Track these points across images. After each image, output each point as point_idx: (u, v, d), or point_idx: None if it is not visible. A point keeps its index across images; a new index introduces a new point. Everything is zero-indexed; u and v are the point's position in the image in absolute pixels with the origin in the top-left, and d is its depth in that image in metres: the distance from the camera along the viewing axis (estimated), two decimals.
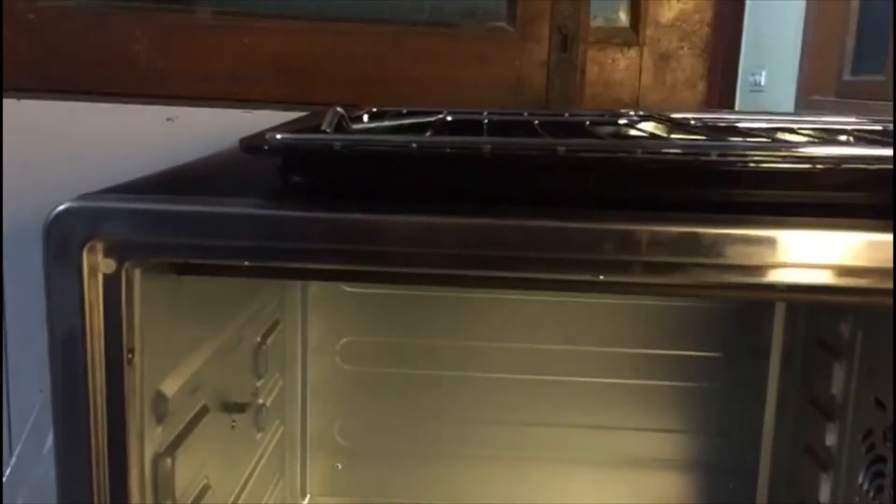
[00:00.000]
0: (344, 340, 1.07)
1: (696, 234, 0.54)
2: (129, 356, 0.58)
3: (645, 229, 0.54)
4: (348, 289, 1.06)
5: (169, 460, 0.66)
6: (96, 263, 0.56)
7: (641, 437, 1.04)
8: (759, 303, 0.98)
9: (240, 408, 0.84)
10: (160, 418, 0.65)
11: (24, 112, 1.06)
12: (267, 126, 0.99)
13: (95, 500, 0.59)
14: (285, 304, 1.03)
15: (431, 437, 1.08)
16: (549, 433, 1.05)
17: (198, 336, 0.74)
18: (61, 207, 0.55)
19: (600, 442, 1.05)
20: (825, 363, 0.93)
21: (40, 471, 0.82)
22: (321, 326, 1.07)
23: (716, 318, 1.02)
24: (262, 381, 0.93)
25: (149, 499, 0.63)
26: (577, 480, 1.07)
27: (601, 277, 0.57)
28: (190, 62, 1.07)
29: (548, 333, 1.04)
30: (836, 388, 0.92)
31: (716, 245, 0.54)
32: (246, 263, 0.59)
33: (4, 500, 0.83)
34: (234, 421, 0.83)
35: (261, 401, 0.93)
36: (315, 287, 1.06)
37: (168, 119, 1.06)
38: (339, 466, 1.11)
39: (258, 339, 0.92)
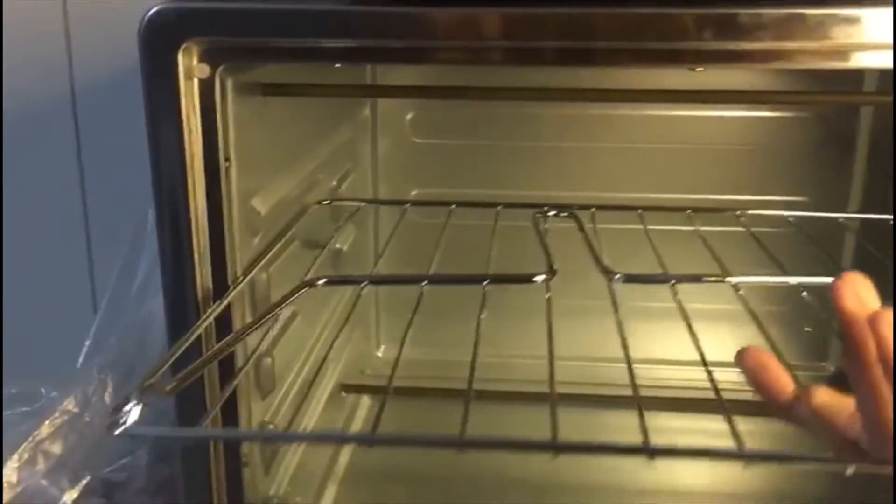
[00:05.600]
0: (414, 192, 1.07)
1: (801, 15, 0.53)
2: (226, 164, 0.59)
3: (747, 12, 0.53)
4: (418, 140, 1.06)
5: (265, 275, 0.68)
6: (191, 67, 0.56)
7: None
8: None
9: (320, 245, 0.85)
10: (254, 232, 0.66)
11: None
12: None
13: (200, 321, 0.61)
14: (357, 156, 1.03)
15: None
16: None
17: (283, 163, 0.75)
18: (154, 9, 0.55)
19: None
20: None
21: (132, 309, 0.84)
22: (391, 180, 1.07)
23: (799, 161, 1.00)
24: (337, 225, 0.94)
25: (248, 313, 0.65)
26: (656, 327, 1.08)
27: (699, 69, 0.56)
28: None
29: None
30: None
31: (820, 27, 0.53)
32: (337, 65, 0.60)
33: (97, 338, 0.86)
34: (315, 258, 0.85)
35: (338, 245, 0.94)
36: (385, 139, 1.06)
37: None
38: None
39: (334, 182, 0.92)
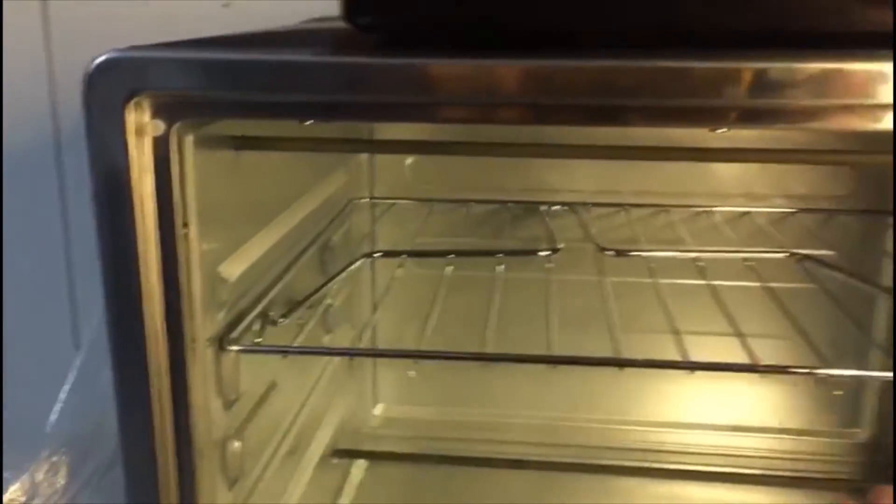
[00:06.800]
0: (414, 243, 1.00)
1: (841, 71, 0.45)
2: (185, 231, 0.53)
3: (782, 66, 0.45)
4: (419, 187, 0.99)
5: (232, 351, 0.60)
6: (143, 124, 0.50)
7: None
8: None
9: (307, 305, 0.78)
10: (221, 303, 0.59)
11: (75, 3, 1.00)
12: (322, 13, 0.93)
13: (154, 392, 0.54)
14: (351, 203, 0.97)
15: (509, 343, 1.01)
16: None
17: (261, 220, 0.68)
18: (102, 58, 0.49)
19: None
20: None
21: (94, 378, 0.78)
22: (390, 229, 1.00)
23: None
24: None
25: (211, 391, 0.58)
26: (668, 386, 1.00)
27: (721, 130, 0.49)
28: None
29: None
30: None
31: (868, 83, 0.45)
32: (309, 122, 0.53)
33: (69, 400, 0.79)
34: (300, 318, 0.78)
35: (329, 301, 0.87)
36: (382, 186, 0.99)
37: (224, 5, 0.99)
38: (413, 374, 1.05)
39: (326, 234, 0.85)
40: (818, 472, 0.96)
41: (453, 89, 0.48)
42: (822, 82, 0.46)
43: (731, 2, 0.50)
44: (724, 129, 0.48)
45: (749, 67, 0.46)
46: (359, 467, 1.00)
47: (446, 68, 0.48)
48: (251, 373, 0.65)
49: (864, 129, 0.47)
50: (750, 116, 0.47)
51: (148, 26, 1.00)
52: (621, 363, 0.58)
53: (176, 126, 0.50)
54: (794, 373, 0.59)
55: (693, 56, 0.47)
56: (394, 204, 0.98)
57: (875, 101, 0.46)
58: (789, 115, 0.47)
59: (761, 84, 0.46)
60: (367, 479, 0.99)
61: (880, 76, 0.45)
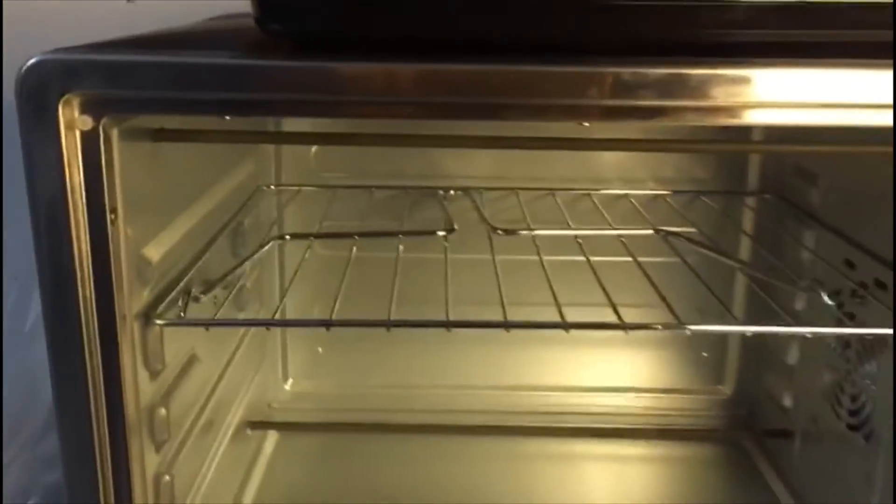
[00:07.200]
0: (315, 227, 1.06)
1: (682, 76, 0.54)
2: (112, 216, 0.58)
3: (631, 71, 0.54)
4: (324, 174, 1.05)
5: (157, 325, 0.66)
6: (73, 119, 0.55)
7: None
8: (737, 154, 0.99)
9: (222, 284, 0.84)
10: (145, 282, 0.65)
11: None
12: (234, 9, 0.98)
13: (87, 363, 0.59)
14: (260, 195, 1.02)
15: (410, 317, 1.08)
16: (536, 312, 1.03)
17: (178, 207, 0.73)
18: (34, 60, 0.54)
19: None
20: (796, 232, 0.96)
21: (22, 354, 0.81)
22: (298, 215, 1.06)
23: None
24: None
25: (139, 362, 0.64)
26: (552, 353, 1.10)
27: (585, 124, 0.58)
28: None
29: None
30: (806, 253, 0.94)
31: (702, 86, 0.54)
32: (227, 118, 0.59)
33: None
34: (215, 297, 0.83)
35: (241, 281, 0.92)
36: (289, 173, 1.05)
37: (129, 1, 1.02)
38: (321, 350, 1.12)
39: (237, 219, 0.91)
40: (687, 425, 1.08)
41: (357, 88, 0.55)
42: (669, 84, 0.55)
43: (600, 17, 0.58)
44: (587, 124, 0.57)
45: (606, 72, 0.55)
46: (271, 438, 1.07)
47: (351, 70, 0.55)
48: (174, 346, 0.70)
49: (714, 124, 0.57)
50: (610, 113, 0.56)
51: (53, 20, 1.02)
52: (506, 325, 0.66)
53: (103, 121, 0.56)
54: (656, 328, 0.68)
55: (560, 62, 0.55)
56: (300, 190, 1.04)
57: (716, 102, 0.55)
58: (644, 112, 0.56)
59: (617, 85, 0.55)
60: (278, 449, 1.05)
61: (716, 79, 0.55)
